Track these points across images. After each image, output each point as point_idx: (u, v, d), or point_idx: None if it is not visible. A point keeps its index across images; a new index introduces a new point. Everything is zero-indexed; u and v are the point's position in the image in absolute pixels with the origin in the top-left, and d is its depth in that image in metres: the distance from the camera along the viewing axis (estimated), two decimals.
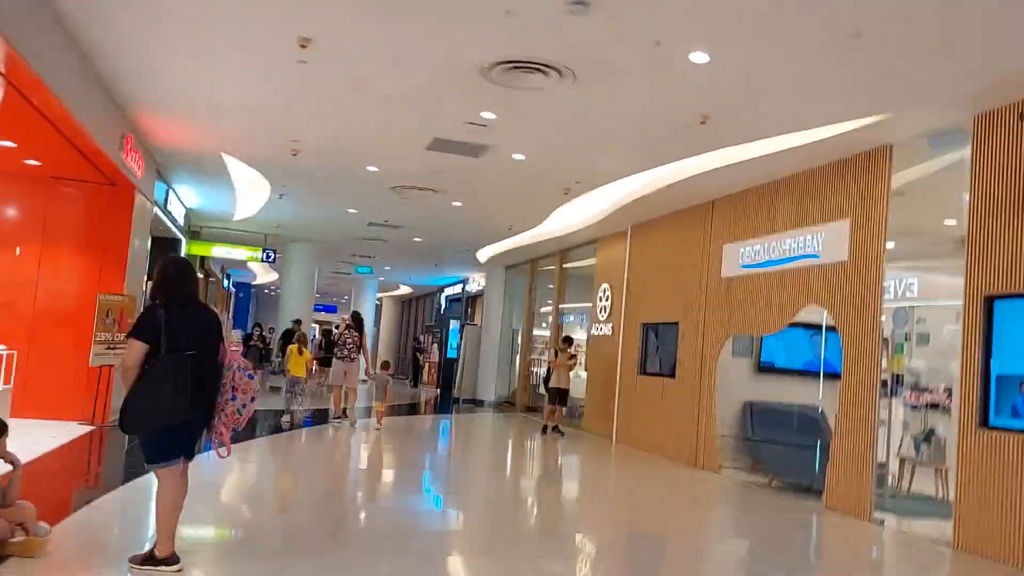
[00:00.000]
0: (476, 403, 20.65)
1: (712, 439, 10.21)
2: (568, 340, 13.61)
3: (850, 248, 7.92)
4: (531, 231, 15.21)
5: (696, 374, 10.73)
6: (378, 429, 12.39)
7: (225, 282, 30.90)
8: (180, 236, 15.78)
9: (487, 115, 8.02)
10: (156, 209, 12.48)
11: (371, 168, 10.93)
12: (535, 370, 18.66)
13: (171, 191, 13.44)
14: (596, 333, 14.15)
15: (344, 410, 12.61)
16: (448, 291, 28.00)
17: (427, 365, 28.74)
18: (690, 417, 10.72)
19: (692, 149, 8.70)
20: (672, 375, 11.38)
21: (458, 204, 12.99)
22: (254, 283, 36.26)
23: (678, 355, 11.28)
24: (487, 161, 9.87)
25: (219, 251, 18.22)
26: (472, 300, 25.31)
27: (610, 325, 13.62)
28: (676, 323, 11.42)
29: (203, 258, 21.11)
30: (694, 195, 10.74)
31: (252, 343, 16.38)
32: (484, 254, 19.05)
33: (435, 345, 28.57)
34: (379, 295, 33.78)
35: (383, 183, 11.84)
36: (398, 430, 14.20)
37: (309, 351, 13.60)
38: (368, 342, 29.64)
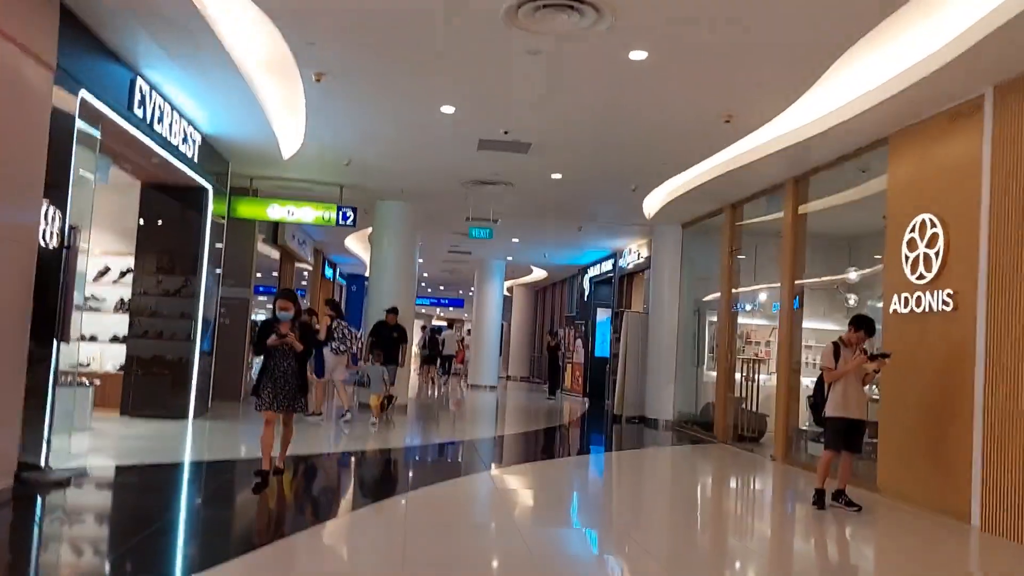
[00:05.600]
0: (645, 423, 14.25)
1: None
2: (864, 324, 6.97)
3: None
4: (757, 134, 8.68)
5: None
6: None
7: (328, 271, 25.92)
8: (202, 182, 10.29)
9: None
10: (103, 108, 6.94)
11: None
12: (741, 376, 12.04)
13: (142, 83, 7.83)
14: (904, 310, 7.43)
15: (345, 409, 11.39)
16: (592, 271, 21.71)
17: (570, 367, 22.59)
18: None
19: None
20: None
21: (639, 56, 6.64)
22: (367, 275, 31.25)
23: None
24: None
25: (276, 211, 12.70)
26: (628, 279, 18.87)
27: (943, 293, 6.90)
28: None
29: (275, 229, 15.87)
30: None
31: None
32: (655, 200, 12.61)
33: (579, 341, 22.43)
34: (508, 283, 27.85)
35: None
36: (517, 481, 7.95)
37: None
38: (488, 340, 24.43)
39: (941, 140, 7.13)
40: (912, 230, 7.36)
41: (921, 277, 7.18)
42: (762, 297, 12.50)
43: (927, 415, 7.08)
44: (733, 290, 12.15)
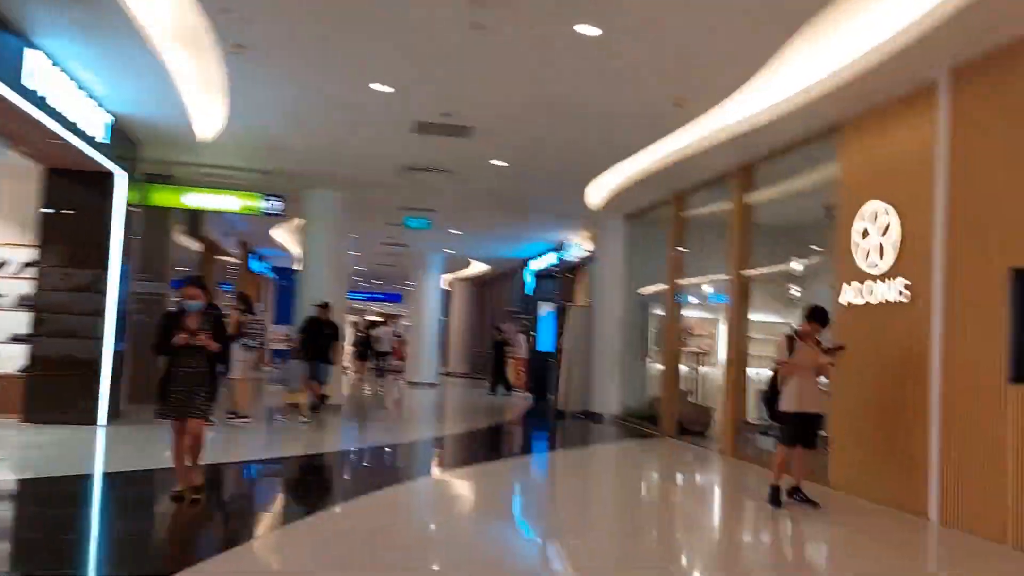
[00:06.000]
0: (590, 418, 13.86)
1: None
2: (818, 315, 6.67)
3: None
4: (706, 121, 8.32)
5: None
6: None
7: (255, 264, 24.87)
8: (111, 167, 9.43)
9: None
10: None
11: None
12: (690, 368, 11.75)
13: (36, 54, 6.99)
14: (857, 301, 7.17)
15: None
16: (535, 265, 21.27)
17: (512, 362, 22.11)
18: None
19: None
20: None
21: (591, 31, 6.17)
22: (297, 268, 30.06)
23: None
24: None
25: (193, 199, 11.87)
26: (571, 272, 18.50)
27: (898, 284, 6.64)
28: None
29: (195, 220, 14.95)
30: None
31: None
32: (601, 190, 12.22)
33: (521, 336, 21.99)
34: (447, 276, 27.21)
35: None
36: (456, 487, 7.45)
37: None
38: (427, 335, 23.82)
39: (896, 126, 6.86)
40: (865, 215, 7.09)
41: (874, 266, 6.92)
42: (707, 289, 12.23)
43: (882, 408, 6.82)
44: (678, 282, 11.85)
